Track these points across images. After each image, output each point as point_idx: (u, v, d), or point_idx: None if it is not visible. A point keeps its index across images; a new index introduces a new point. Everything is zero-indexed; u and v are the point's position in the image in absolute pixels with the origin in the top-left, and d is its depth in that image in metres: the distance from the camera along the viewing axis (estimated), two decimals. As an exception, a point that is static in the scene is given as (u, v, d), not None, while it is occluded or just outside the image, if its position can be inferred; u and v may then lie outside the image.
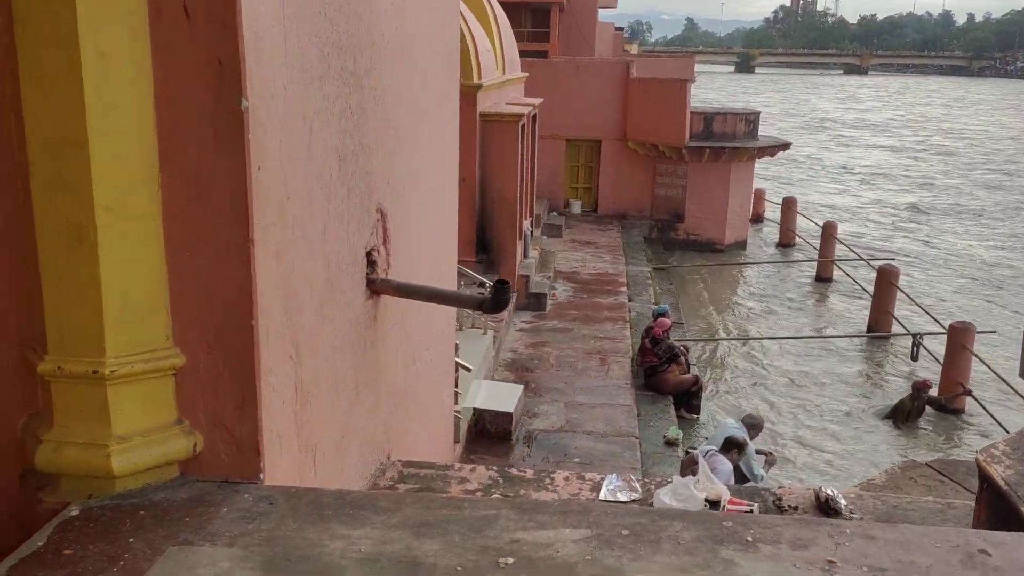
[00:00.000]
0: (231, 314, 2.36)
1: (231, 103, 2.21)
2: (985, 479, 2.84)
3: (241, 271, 2.32)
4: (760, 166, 32.85)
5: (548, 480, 3.72)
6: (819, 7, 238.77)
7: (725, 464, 7.88)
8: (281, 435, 2.60)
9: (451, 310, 5.52)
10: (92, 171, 2.17)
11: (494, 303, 3.49)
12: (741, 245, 20.86)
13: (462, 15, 12.30)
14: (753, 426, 8.96)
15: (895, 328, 14.33)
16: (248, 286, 2.33)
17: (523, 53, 30.94)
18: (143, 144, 2.24)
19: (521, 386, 9.66)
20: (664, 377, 10.58)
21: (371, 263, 3.58)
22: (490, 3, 14.38)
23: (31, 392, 2.44)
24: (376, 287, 3.55)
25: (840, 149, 43.71)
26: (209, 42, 2.18)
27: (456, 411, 8.16)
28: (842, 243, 18.81)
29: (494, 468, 3.83)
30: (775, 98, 79.58)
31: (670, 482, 3.60)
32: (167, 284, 2.36)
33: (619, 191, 20.90)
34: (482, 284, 10.74)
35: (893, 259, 17.03)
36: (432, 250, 4.64)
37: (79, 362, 2.29)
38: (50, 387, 2.35)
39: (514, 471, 3.80)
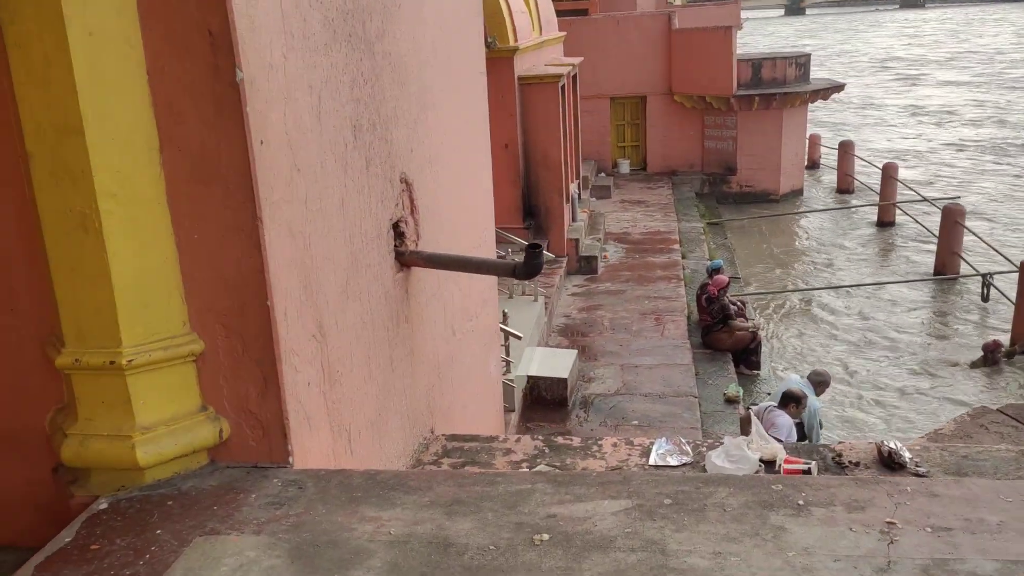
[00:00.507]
0: (245, 296, 2.29)
1: (227, 75, 2.12)
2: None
3: (251, 251, 2.24)
4: (822, 112, 31.74)
5: (596, 447, 3.60)
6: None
7: (784, 419, 7.65)
8: (309, 417, 2.53)
9: (493, 278, 5.41)
10: (90, 157, 2.10)
11: (527, 268, 3.36)
12: (797, 193, 20.24)
13: (494, -23, 12.05)
14: (819, 382, 8.68)
15: (964, 269, 13.74)
16: (259, 266, 2.25)
17: (564, 12, 30.37)
18: (141, 124, 2.17)
19: (575, 351, 9.53)
20: (719, 336, 10.34)
21: (399, 235, 3.48)
22: (523, -37, 14.05)
23: (56, 386, 2.42)
24: (406, 259, 3.45)
25: (903, 89, 41.78)
26: (198, 11, 2.08)
27: (509, 379, 8.11)
28: (904, 184, 18.07)
29: (540, 437, 3.72)
30: (831, 39, 76.66)
31: (722, 443, 3.45)
32: (179, 269, 2.29)
33: (668, 147, 20.43)
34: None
35: (959, 198, 16.30)
36: (467, 218, 4.52)
37: (96, 353, 2.25)
38: (71, 380, 2.32)
39: (560, 440, 3.70)
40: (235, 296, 2.29)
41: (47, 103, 2.08)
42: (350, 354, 2.87)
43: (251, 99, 2.16)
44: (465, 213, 4.46)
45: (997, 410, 4.39)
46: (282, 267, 2.35)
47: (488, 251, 4.99)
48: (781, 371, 10.88)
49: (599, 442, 3.66)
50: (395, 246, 3.43)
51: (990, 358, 11.15)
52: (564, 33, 15.86)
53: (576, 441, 3.68)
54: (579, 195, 15.34)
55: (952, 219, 13.69)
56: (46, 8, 2.00)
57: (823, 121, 31.11)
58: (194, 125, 2.17)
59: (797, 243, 17.43)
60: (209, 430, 2.37)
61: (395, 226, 3.43)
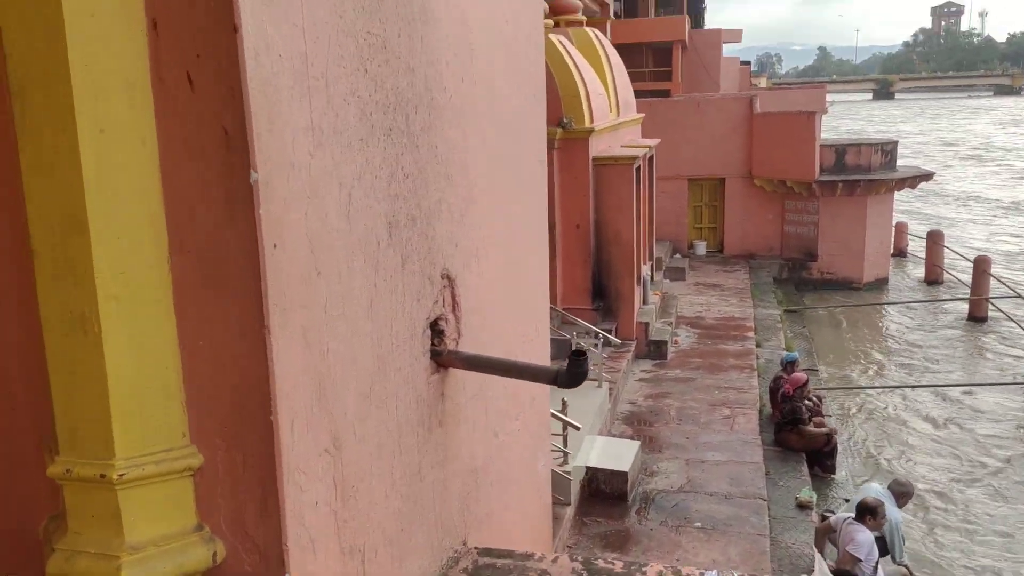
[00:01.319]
0: (248, 408, 2.11)
1: (240, 175, 1.99)
2: None
3: (256, 360, 2.08)
4: (917, 202, 30.71)
5: (638, 574, 3.27)
6: (963, 27, 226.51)
7: (864, 534, 7.10)
8: (314, 539, 2.32)
9: (547, 360, 5.17)
10: (93, 256, 1.98)
11: (570, 377, 3.12)
12: (882, 283, 19.47)
13: (572, 60, 12.14)
14: (901, 493, 8.08)
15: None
16: (264, 376, 2.08)
17: (646, 93, 30.67)
18: (151, 225, 2.05)
19: (638, 442, 9.14)
20: (789, 436, 9.78)
21: (438, 333, 3.29)
22: (603, 46, 14.17)
23: (53, 492, 2.28)
24: (443, 360, 3.26)
25: (1005, 182, 40.04)
26: (214, 111, 1.97)
27: (565, 471, 7.77)
28: (997, 279, 17.17)
29: (579, 559, 3.42)
30: (923, 124, 74.99)
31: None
32: (181, 376, 2.14)
33: (746, 230, 20.03)
34: (596, 335, 10.35)
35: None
36: (516, 312, 4.32)
37: (88, 464, 2.10)
38: (64, 490, 2.17)
39: (601, 563, 3.38)
40: (238, 408, 2.12)
41: (54, 198, 1.99)
42: (370, 466, 2.66)
43: (266, 200, 2.03)
44: (514, 308, 4.26)
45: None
46: (292, 377, 2.18)
47: (541, 345, 4.76)
48: (860, 477, 10.19)
49: (643, 569, 3.33)
50: (433, 345, 3.24)
51: None
52: (642, 115, 15.83)
53: (618, 566, 3.36)
54: (651, 277, 15.05)
55: (1051, 319, 12.84)
56: (56, 99, 1.92)
57: (916, 211, 30.09)
58: (205, 227, 2.04)
59: (880, 335, 16.65)
60: (203, 552, 2.18)
61: (434, 324, 3.25)
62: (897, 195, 19.64)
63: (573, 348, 9.91)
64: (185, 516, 2.19)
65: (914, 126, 74.18)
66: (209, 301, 2.09)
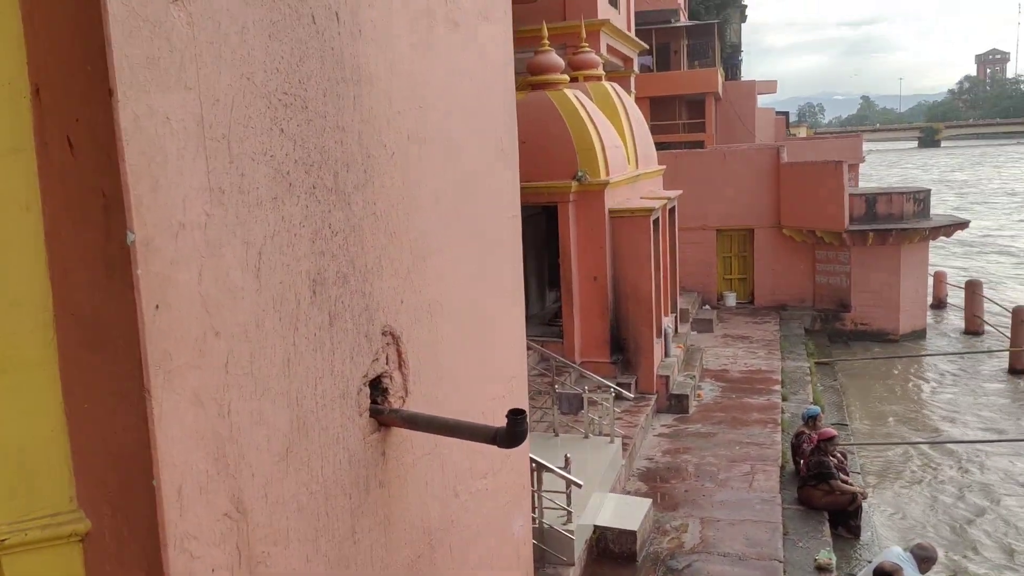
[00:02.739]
0: (131, 472, 2.08)
1: (118, 237, 1.98)
2: None
3: (138, 423, 2.05)
4: (962, 258, 29.99)
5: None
6: (1009, 74, 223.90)
7: (882, 600, 6.78)
8: (209, 609, 2.25)
9: (524, 423, 5.07)
10: (-26, 321, 1.99)
11: (508, 436, 3.04)
12: (920, 334, 18.95)
13: (588, 113, 12.21)
14: (925, 558, 7.71)
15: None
16: (146, 440, 2.05)
17: (680, 144, 30.72)
18: (34, 290, 2.05)
19: (648, 501, 8.90)
20: (813, 492, 9.44)
21: (381, 391, 3.24)
22: (621, 99, 14.24)
23: (-51, 555, 2.26)
24: (384, 418, 3.20)
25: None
26: (93, 174, 1.98)
27: (568, 530, 7.58)
28: (1037, 330, 16.60)
29: (529, 627, 3.28)
30: (985, 173, 73.46)
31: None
32: (67, 440, 2.12)
33: (776, 281, 19.73)
34: (609, 388, 10.18)
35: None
36: (483, 369, 4.24)
37: (-30, 529, 2.08)
38: (-49, 554, 2.15)
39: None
40: (122, 472, 2.09)
41: (-62, 262, 2.00)
42: (286, 530, 2.60)
43: (146, 261, 2.02)
44: (481, 363, 4.19)
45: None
46: (180, 440, 2.14)
47: (515, 403, 4.66)
48: (887, 540, 9.76)
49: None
50: (375, 403, 3.19)
51: None
52: (663, 167, 15.81)
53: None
54: (675, 329, 14.85)
55: (1092, 372, 12.32)
56: (-61, 169, 1.95)
57: (972, 267, 29.35)
58: (86, 290, 2.04)
59: (917, 386, 16.13)
60: (88, 620, 2.13)
61: (376, 382, 3.20)
62: (942, 246, 19.21)
63: (568, 401, 9.76)
64: (71, 583, 2.14)
65: (970, 174, 72.83)
66: (93, 364, 2.07)
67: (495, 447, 4.26)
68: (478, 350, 4.15)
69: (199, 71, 2.18)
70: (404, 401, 3.36)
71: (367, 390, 3.11)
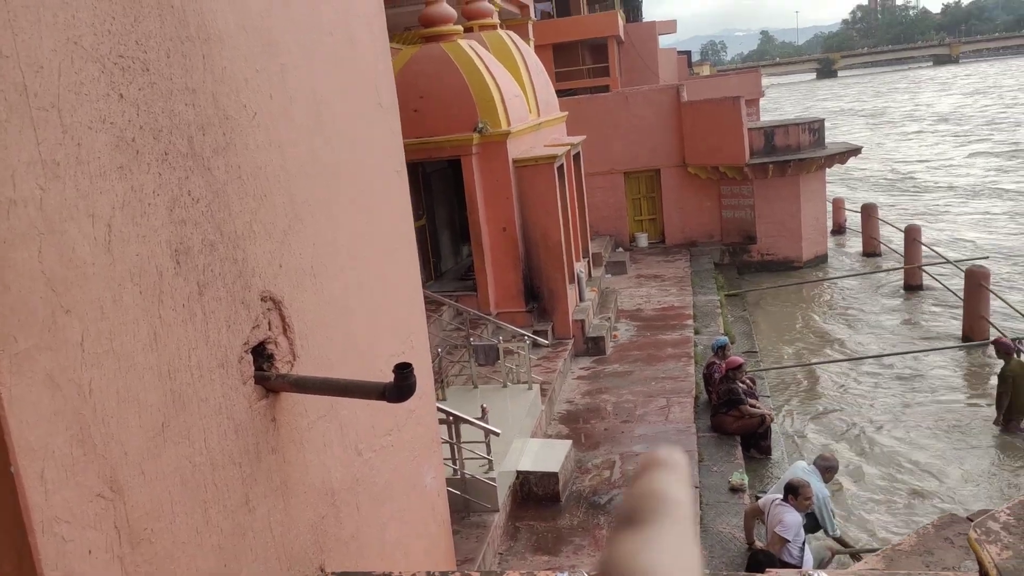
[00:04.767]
0: (-14, 461, 2.01)
1: (-60, 219, 1.89)
2: (980, 564, 2.18)
3: (-13, 410, 1.97)
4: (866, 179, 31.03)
5: (493, 586, 3.21)
6: (898, 2, 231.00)
7: (792, 515, 7.12)
8: (90, 590, 2.21)
9: (428, 374, 5.10)
10: None
11: (397, 390, 3.05)
12: (822, 259, 19.68)
13: (485, 64, 12.09)
14: (826, 468, 8.11)
15: (993, 334, 13.02)
16: (-2, 428, 1.98)
17: (585, 89, 30.74)
18: None
19: (569, 442, 9.08)
20: (725, 419, 9.80)
21: (267, 357, 3.20)
22: (518, 48, 14.15)
23: None
24: (271, 384, 3.17)
25: (952, 145, 40.72)
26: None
27: (490, 478, 7.69)
28: (927, 247, 17.43)
29: (436, 572, 3.35)
30: (873, 100, 76.07)
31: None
32: (-88, 433, 2.03)
33: (685, 219, 20.14)
34: (524, 336, 10.29)
35: (986, 258, 15.61)
36: (380, 327, 4.23)
37: None
38: None
39: (457, 575, 3.31)
40: (-23, 461, 2.02)
41: None
42: (170, 504, 2.56)
43: (-26, 241, 1.93)
44: (375, 323, 4.17)
45: (966, 518, 3.87)
46: (37, 423, 2.08)
47: (416, 359, 4.67)
48: (793, 456, 10.23)
49: (499, 579, 3.27)
50: (261, 370, 3.15)
51: (1006, 364, 10.41)
52: (565, 113, 15.84)
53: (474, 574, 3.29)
54: (589, 273, 15.05)
55: (976, 282, 13.05)
56: None
57: (860, 184, 30.47)
58: (-88, 274, 1.94)
59: (820, 312, 16.81)
60: (-44, 615, 2.07)
61: (259, 348, 3.16)
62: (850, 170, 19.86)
63: (484, 353, 9.85)
64: (-66, 580, 2.07)
65: (856, 103, 75.40)
66: (-70, 352, 1.98)
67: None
68: (371, 310, 4.13)
69: (16, 37, 2.07)
70: (292, 366, 3.33)
71: (249, 357, 3.07)
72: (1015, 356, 10.54)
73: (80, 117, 2.27)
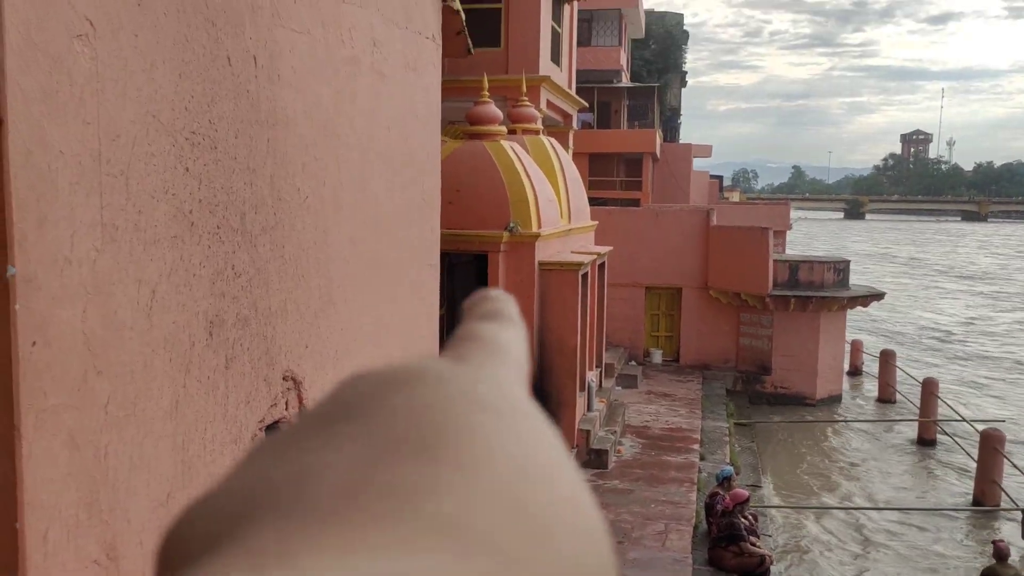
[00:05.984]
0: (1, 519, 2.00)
1: (-1, 271, 1.93)
2: None
3: (6, 463, 1.97)
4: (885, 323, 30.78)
5: None
6: (931, 155, 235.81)
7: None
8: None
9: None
10: None
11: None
12: (835, 399, 19.48)
13: (523, 166, 12.40)
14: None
15: (1004, 501, 12.71)
16: (13, 481, 1.97)
17: (617, 201, 31.28)
18: (-96, 315, 1.97)
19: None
20: (723, 554, 9.54)
21: (279, 437, 3.19)
22: (557, 154, 14.51)
23: None
24: (279, 465, 3.14)
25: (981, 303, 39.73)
26: (-23, 204, 1.93)
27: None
28: (944, 402, 17.24)
29: None
30: (901, 247, 76.35)
31: None
32: (-73, 476, 2.02)
33: (702, 341, 20.11)
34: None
35: (1003, 421, 15.40)
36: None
37: None
38: None
39: None
40: (-15, 514, 2.00)
41: None
42: None
43: (26, 297, 1.97)
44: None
45: None
46: (50, 482, 2.07)
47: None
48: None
49: None
50: (271, 449, 3.13)
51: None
52: (595, 223, 16.09)
53: None
54: (599, 383, 14.97)
55: (991, 445, 12.83)
56: None
57: (877, 329, 30.29)
58: (-40, 320, 1.97)
59: (830, 452, 16.53)
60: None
61: (275, 426, 3.15)
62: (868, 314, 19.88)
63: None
64: (-84, 629, 2.03)
65: (882, 248, 75.84)
66: (-39, 398, 2.00)
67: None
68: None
69: (100, 107, 2.16)
70: (302, 448, 3.30)
71: (263, 436, 3.05)
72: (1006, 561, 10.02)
73: (146, 186, 2.35)
